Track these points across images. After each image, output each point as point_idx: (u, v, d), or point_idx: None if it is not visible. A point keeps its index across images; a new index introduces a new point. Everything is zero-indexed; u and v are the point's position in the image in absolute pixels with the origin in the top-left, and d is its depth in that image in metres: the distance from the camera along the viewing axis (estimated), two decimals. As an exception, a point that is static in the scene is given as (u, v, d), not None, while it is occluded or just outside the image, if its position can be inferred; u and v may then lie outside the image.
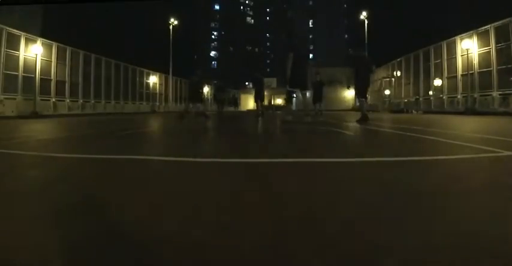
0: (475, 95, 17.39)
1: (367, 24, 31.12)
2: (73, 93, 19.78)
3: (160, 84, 31.04)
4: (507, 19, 15.63)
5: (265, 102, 19.24)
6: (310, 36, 66.80)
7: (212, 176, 2.08)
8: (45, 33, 21.37)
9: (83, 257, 0.93)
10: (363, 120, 8.04)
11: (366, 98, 8.69)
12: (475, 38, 17.83)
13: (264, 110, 15.39)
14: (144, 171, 2.24)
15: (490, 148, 3.08)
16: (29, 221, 1.23)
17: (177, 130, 6.55)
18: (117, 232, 1.10)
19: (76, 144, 4.28)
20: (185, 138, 5.11)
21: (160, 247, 0.97)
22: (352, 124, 7.61)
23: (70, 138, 5.13)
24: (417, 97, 23.47)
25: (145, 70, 28.79)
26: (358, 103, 14.79)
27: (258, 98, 14.15)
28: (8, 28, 15.32)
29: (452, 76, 19.74)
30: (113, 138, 5.02)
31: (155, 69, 29.85)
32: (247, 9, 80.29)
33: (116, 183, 1.88)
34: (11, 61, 15.51)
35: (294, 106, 9.33)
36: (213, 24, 72.50)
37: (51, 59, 18.08)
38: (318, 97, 14.66)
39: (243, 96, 47.52)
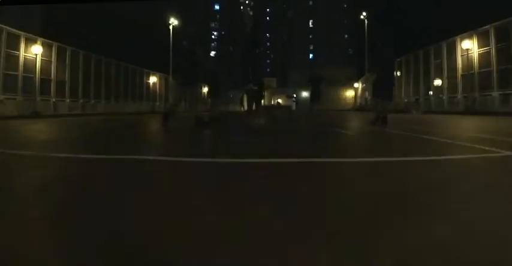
0: (475, 95, 17.39)
1: (367, 24, 31.15)
2: (73, 93, 19.78)
3: (160, 84, 31.04)
4: (507, 19, 15.63)
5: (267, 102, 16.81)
6: (310, 36, 66.77)
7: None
8: (45, 32, 21.36)
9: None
10: (375, 121, 7.04)
11: (384, 100, 7.52)
12: (475, 38, 17.84)
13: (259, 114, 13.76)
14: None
15: (493, 149, 3.08)
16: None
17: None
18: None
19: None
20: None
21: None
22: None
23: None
24: (417, 97, 23.48)
25: (145, 71, 28.78)
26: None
27: (256, 103, 12.92)
28: (8, 28, 15.32)
29: (452, 76, 19.75)
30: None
31: (155, 69, 29.79)
32: (247, 9, 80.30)
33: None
34: (11, 61, 15.51)
35: (294, 107, 9.10)
36: (213, 24, 72.44)
37: (51, 59, 18.08)
38: (315, 95, 12.35)
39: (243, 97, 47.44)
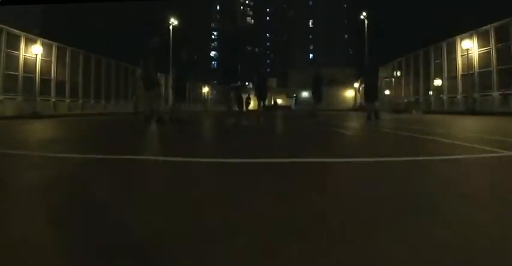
0: (475, 95, 17.39)
1: (367, 24, 31.14)
2: (73, 93, 19.78)
3: (160, 84, 30.97)
4: (507, 19, 15.63)
5: (267, 102, 14.96)
6: (310, 36, 66.80)
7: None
8: (45, 32, 21.37)
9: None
10: (368, 118, 9.40)
11: (372, 102, 9.93)
12: (475, 38, 17.84)
13: (265, 111, 12.96)
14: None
15: (493, 149, 3.08)
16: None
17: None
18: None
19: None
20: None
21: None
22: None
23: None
24: (417, 97, 23.48)
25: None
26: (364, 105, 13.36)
27: (260, 97, 12.16)
28: (8, 28, 15.31)
29: (452, 76, 19.75)
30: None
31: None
32: (247, 9, 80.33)
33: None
34: (11, 61, 15.50)
35: (294, 107, 9.32)
36: (213, 24, 72.46)
37: (51, 59, 18.07)
38: (317, 94, 12.52)
39: (243, 97, 47.46)
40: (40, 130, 7.01)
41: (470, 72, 17.71)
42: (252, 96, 19.89)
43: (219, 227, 1.13)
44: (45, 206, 1.45)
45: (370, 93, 9.97)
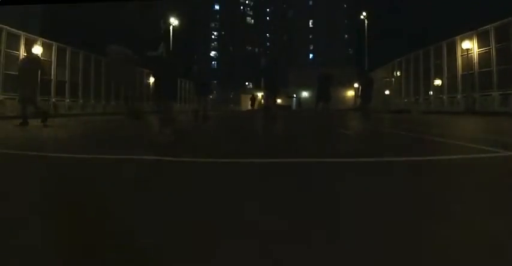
0: (475, 95, 17.37)
1: (367, 24, 31.13)
2: (73, 93, 19.76)
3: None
4: (507, 19, 15.61)
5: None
6: (310, 36, 66.76)
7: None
8: (44, 32, 21.35)
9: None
10: (366, 116, 10.42)
11: (368, 102, 11.19)
12: (475, 38, 17.82)
13: (274, 112, 9.33)
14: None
15: (493, 149, 3.08)
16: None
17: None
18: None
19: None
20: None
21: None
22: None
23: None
24: (417, 97, 23.45)
25: (145, 71, 28.73)
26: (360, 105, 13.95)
27: (271, 92, 8.41)
28: (8, 28, 15.28)
29: (452, 76, 19.73)
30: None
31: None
32: (247, 9, 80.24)
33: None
34: (11, 61, 15.46)
35: (294, 107, 9.10)
36: (213, 24, 72.40)
37: (51, 59, 18.04)
38: (323, 94, 11.53)
39: (243, 97, 47.52)
40: (41, 130, 7.00)
41: (470, 72, 17.69)
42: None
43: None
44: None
45: (366, 94, 11.24)
